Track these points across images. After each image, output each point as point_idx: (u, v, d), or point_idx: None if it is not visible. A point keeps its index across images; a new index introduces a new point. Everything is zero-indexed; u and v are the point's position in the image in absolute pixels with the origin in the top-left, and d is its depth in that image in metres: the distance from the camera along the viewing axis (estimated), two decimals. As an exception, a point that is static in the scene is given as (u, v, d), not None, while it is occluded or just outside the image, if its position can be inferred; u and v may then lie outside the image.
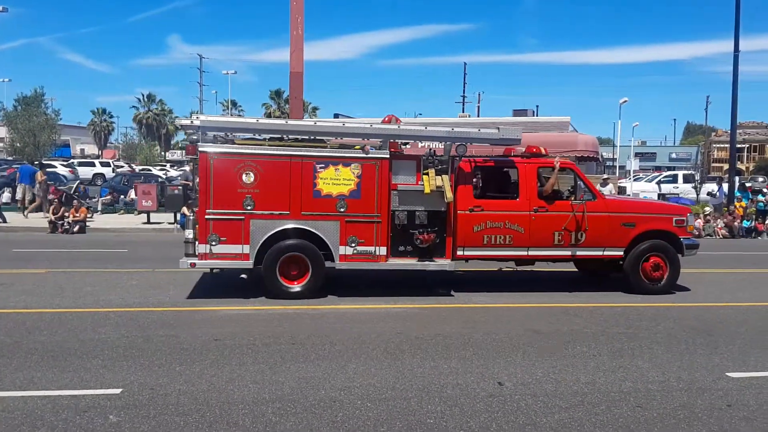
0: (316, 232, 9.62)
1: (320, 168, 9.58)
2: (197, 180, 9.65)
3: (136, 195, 22.33)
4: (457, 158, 10.16)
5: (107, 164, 46.22)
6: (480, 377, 6.23)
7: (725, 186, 25.68)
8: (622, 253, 10.61)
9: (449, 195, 9.73)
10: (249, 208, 9.44)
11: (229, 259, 9.56)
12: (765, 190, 27.16)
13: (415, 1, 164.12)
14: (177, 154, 75.24)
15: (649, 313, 9.24)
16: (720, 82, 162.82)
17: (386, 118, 10.59)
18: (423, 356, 6.89)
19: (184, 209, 19.35)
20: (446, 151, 10.28)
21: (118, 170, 41.29)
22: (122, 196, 26.14)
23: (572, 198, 10.50)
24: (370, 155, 9.73)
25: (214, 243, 9.44)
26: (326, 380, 6.06)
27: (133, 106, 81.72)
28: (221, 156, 9.48)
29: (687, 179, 34.24)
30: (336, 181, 9.62)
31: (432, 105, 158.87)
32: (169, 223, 20.40)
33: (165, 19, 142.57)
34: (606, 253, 10.64)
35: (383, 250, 9.80)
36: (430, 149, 11.02)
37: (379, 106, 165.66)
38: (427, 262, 10.01)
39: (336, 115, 34.57)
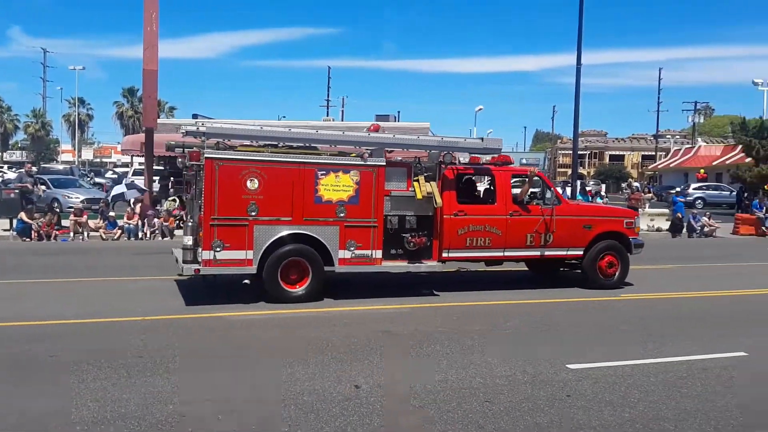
0: (318, 237, 9.82)
1: (321, 174, 9.82)
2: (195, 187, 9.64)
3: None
4: (443, 166, 10.67)
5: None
6: (337, 381, 6.20)
7: (569, 189, 27.62)
8: (582, 252, 11.55)
9: (438, 200, 10.29)
10: (253, 214, 9.48)
11: (233, 265, 9.55)
12: (603, 192, 29.55)
13: (278, 3, 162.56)
14: (16, 155, 69.32)
15: (500, 310, 9.69)
16: (566, 93, 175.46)
17: (372, 127, 11.05)
18: (279, 363, 6.75)
19: (22, 214, 17.85)
20: (433, 159, 10.94)
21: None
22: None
23: (541, 203, 11.31)
24: (368, 163, 10.06)
25: (218, 249, 9.40)
26: (176, 394, 5.76)
27: (-34, 103, 74.69)
28: (226, 162, 9.44)
29: (535, 183, 36.40)
30: (336, 188, 9.89)
31: (296, 108, 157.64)
32: (4, 230, 18.67)
33: (3, 9, 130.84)
34: (569, 252, 11.57)
35: (379, 254, 10.17)
36: (416, 157, 11.48)
37: (241, 108, 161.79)
38: (417, 264, 10.55)
39: (195, 116, 33.23)
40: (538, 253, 11.37)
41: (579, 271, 11.95)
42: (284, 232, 9.68)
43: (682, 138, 74.63)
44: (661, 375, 6.63)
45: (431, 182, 10.44)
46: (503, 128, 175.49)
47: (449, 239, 10.70)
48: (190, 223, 9.77)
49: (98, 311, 8.98)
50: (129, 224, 18.57)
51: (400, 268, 10.56)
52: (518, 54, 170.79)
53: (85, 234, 18.47)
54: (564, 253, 11.58)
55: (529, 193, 11.40)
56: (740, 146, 36.45)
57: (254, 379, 6.24)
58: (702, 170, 43.55)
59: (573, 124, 26.74)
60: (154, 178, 23.32)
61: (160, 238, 18.57)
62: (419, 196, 10.25)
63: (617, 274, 11.73)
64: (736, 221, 26.00)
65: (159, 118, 28.84)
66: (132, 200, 20.74)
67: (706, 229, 23.98)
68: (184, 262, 9.58)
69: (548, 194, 11.48)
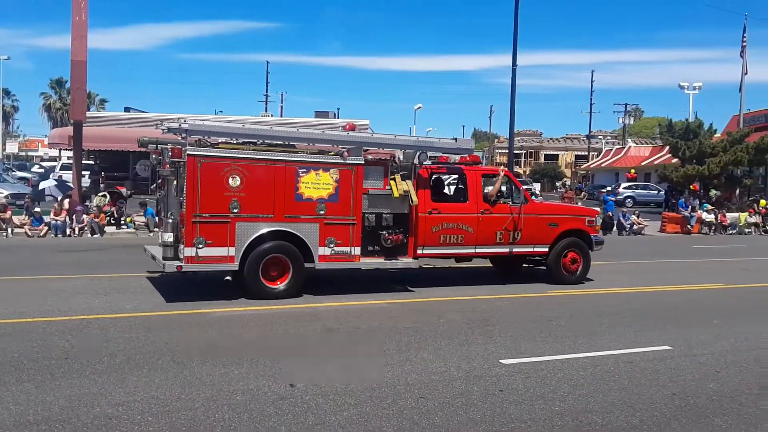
0: (298, 234, 9.96)
1: (302, 172, 9.96)
2: (175, 183, 9.75)
3: None
4: (418, 165, 10.98)
5: None
6: (272, 380, 6.13)
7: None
8: (547, 249, 12.07)
9: (414, 198, 10.61)
10: (235, 211, 9.55)
11: (215, 261, 9.57)
12: (537, 191, 30.24)
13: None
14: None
15: (436, 308, 9.78)
16: (504, 93, 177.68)
17: (348, 126, 11.30)
18: (213, 363, 6.62)
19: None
20: (409, 158, 11.23)
21: None
22: None
23: (509, 201, 11.72)
24: (347, 161, 10.23)
25: (200, 246, 9.41)
26: (103, 396, 5.57)
27: None
28: (209, 160, 9.45)
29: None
30: (316, 185, 10.04)
31: (234, 102, 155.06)
32: None
33: None
34: (536, 249, 12.08)
35: (357, 250, 10.38)
36: (392, 156, 11.73)
37: (176, 101, 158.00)
38: (394, 261, 10.92)
39: (127, 109, 32.41)
40: (507, 250, 11.82)
41: (543, 267, 12.48)
42: (266, 229, 9.77)
43: (614, 139, 77.08)
44: (590, 369, 6.84)
45: (407, 181, 10.71)
46: (443, 126, 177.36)
47: (424, 237, 11.01)
48: (170, 221, 9.75)
49: (29, 311, 8.61)
50: (56, 221, 17.87)
51: (377, 264, 10.91)
52: (458, 54, 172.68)
53: (9, 231, 17.68)
54: (531, 249, 12.06)
55: (498, 192, 11.72)
56: (667, 147, 37.91)
57: (191, 378, 6.09)
58: (632, 170, 45.00)
59: (509, 123, 27.22)
60: (84, 172, 22.54)
61: (89, 235, 17.94)
62: (396, 194, 10.54)
63: (579, 269, 12.33)
64: (663, 220, 27.10)
65: (88, 110, 27.81)
66: (60, 196, 19.97)
67: (635, 227, 24.89)
68: (165, 258, 9.59)
69: (515, 193, 11.89)
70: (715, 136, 35.97)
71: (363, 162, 10.41)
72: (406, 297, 10.53)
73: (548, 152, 78.14)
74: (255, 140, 10.20)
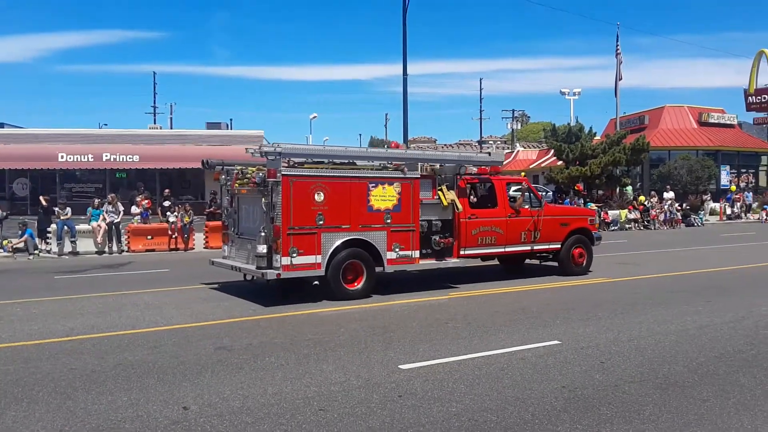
0: (371, 242, 11.37)
1: (372, 187, 11.40)
2: (263, 201, 10.76)
3: None
4: (459, 176, 12.77)
5: None
6: (164, 404, 5.87)
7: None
8: (559, 246, 14.10)
9: (459, 206, 12.43)
10: (320, 223, 10.83)
11: (306, 268, 10.78)
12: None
13: (96, 4, 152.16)
14: None
15: (333, 318, 9.74)
16: (397, 101, 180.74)
17: (393, 144, 12.69)
18: (99, 391, 6.26)
19: None
20: (452, 171, 12.86)
21: None
22: None
23: (529, 206, 13.59)
24: (407, 176, 11.78)
25: (294, 255, 10.59)
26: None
27: None
28: (299, 179, 10.72)
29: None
30: (383, 198, 11.49)
31: (120, 115, 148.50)
32: None
33: None
34: (551, 246, 14.04)
35: (417, 253, 11.90)
36: (432, 169, 12.77)
37: (56, 115, 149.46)
38: (444, 261, 12.49)
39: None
40: (529, 248, 13.75)
41: (555, 262, 14.41)
42: (345, 238, 11.09)
43: (503, 143, 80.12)
44: (485, 368, 7.01)
45: (451, 191, 12.42)
46: (338, 135, 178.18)
47: (466, 239, 12.68)
48: (263, 233, 10.67)
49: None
50: None
51: (431, 265, 12.43)
52: (352, 63, 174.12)
53: None
54: (548, 246, 14.01)
55: (524, 198, 13.57)
56: (552, 150, 39.75)
57: (73, 411, 5.72)
58: (522, 173, 46.89)
59: (403, 131, 27.60)
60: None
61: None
62: (445, 203, 12.27)
63: (585, 262, 14.46)
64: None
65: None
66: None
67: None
68: (259, 268, 10.67)
69: (534, 199, 13.82)
70: (595, 138, 38.07)
71: (419, 176, 12.03)
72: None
73: (443, 158, 79.83)
74: (324, 159, 11.42)
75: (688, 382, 6.55)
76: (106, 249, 20.19)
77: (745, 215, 38.35)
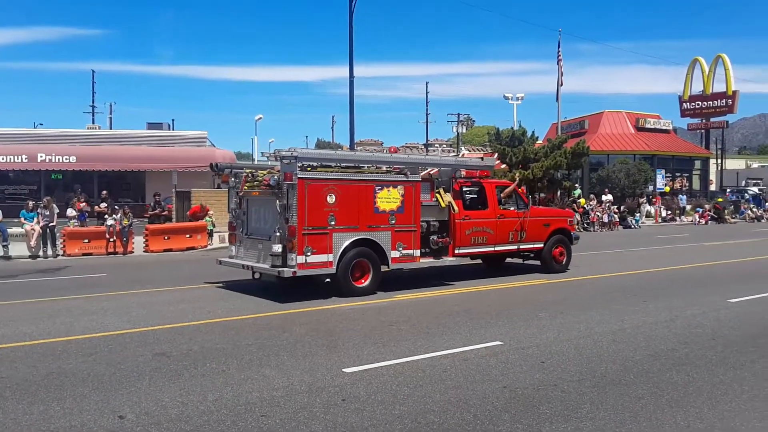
0: (377, 241, 12.00)
1: (378, 189, 12.03)
2: (277, 203, 11.26)
3: None
4: (454, 180, 13.54)
5: None
6: (98, 413, 5.68)
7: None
8: (542, 245, 14.95)
9: (456, 208, 13.24)
10: (332, 223, 11.41)
11: (319, 267, 11.34)
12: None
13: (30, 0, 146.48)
14: None
15: (277, 322, 9.63)
16: (345, 103, 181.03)
17: (391, 149, 13.27)
18: (30, 401, 6.02)
19: None
20: (448, 175, 13.67)
21: None
22: None
23: (516, 207, 14.44)
24: (410, 179, 12.43)
25: (308, 254, 11.13)
26: None
27: None
28: (313, 182, 11.27)
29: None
30: (388, 200, 12.12)
31: (57, 114, 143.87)
32: None
33: None
34: (535, 245, 14.89)
35: (418, 252, 12.61)
36: (429, 173, 14.00)
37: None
38: (441, 260, 13.23)
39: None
40: (516, 247, 14.61)
41: (537, 261, 15.20)
42: (354, 238, 11.69)
43: (449, 146, 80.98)
44: (429, 369, 7.05)
45: (447, 193, 13.19)
46: (285, 137, 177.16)
47: (460, 239, 13.40)
48: (278, 233, 11.15)
49: None
50: None
51: (430, 263, 13.16)
52: (298, 65, 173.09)
53: None
54: (532, 246, 14.85)
55: (511, 199, 14.46)
56: (496, 154, 40.38)
57: (2, 421, 5.47)
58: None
59: (349, 133, 27.63)
60: None
61: None
62: (443, 204, 13.05)
63: (565, 260, 15.40)
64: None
65: None
66: None
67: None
68: (273, 266, 11.13)
69: (520, 201, 14.65)
70: (538, 142, 38.81)
71: (420, 179, 12.74)
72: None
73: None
74: (332, 163, 12.08)
75: (624, 380, 6.73)
76: (41, 253, 19.44)
77: (679, 218, 39.79)
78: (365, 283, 11.87)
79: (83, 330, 9.07)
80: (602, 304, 11.05)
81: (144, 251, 20.60)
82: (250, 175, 12.57)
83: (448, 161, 14.75)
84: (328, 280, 11.85)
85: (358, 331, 9.04)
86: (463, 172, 14.25)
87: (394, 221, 12.19)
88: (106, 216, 21.00)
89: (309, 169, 11.53)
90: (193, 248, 21.39)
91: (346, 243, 11.57)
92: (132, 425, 5.42)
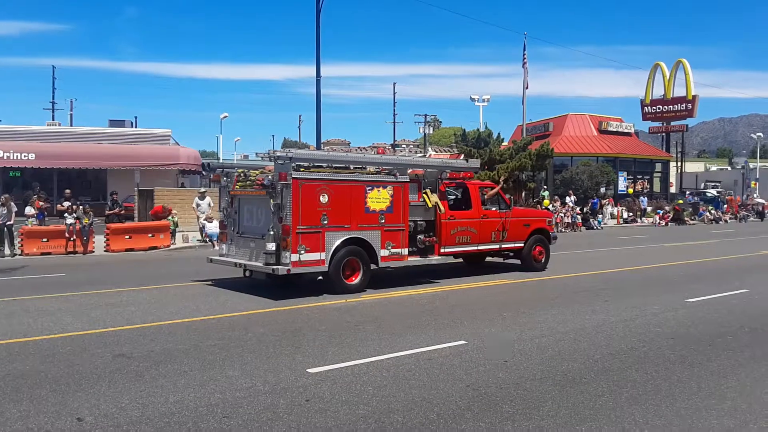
0: (368, 240, 12.24)
1: (369, 189, 12.27)
2: (271, 202, 11.40)
3: None
4: (440, 180, 13.97)
5: None
6: (56, 416, 5.55)
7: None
8: (522, 244, 15.40)
9: (442, 208, 13.62)
10: (325, 222, 11.60)
11: (312, 265, 11.52)
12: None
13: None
14: None
15: (241, 323, 9.54)
16: (312, 103, 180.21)
17: (379, 150, 13.46)
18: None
19: None
20: (434, 176, 14.08)
21: None
22: None
23: (498, 208, 14.89)
24: (399, 179, 12.74)
25: (302, 252, 11.30)
26: None
27: None
28: (307, 182, 11.44)
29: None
30: (378, 200, 12.37)
31: (16, 110, 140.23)
32: None
33: None
34: (516, 245, 15.33)
35: (406, 251, 12.91)
36: (416, 174, 13.89)
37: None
38: (428, 258, 13.57)
39: None
40: (498, 246, 15.05)
41: (517, 260, 15.63)
42: (346, 237, 11.90)
43: (416, 147, 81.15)
44: (393, 369, 7.06)
45: (434, 194, 13.54)
46: (251, 136, 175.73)
47: (446, 238, 13.79)
48: (272, 232, 11.27)
49: None
50: None
51: (417, 261, 13.46)
52: (265, 63, 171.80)
53: None
54: (513, 245, 15.28)
55: (494, 200, 14.90)
56: (462, 155, 40.65)
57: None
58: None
59: (316, 133, 27.55)
60: None
61: None
62: (430, 205, 13.43)
63: (544, 260, 15.82)
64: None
65: None
66: None
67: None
68: (267, 264, 11.30)
69: (502, 202, 15.13)
70: (503, 144, 39.22)
71: (408, 180, 13.06)
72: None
73: (356, 161, 80.00)
74: (323, 164, 12.30)
75: (585, 378, 6.84)
76: (-3, 252, 18.94)
77: (640, 219, 40.59)
78: (355, 281, 12.09)
79: (41, 331, 8.86)
80: (565, 304, 11.21)
81: (105, 251, 20.22)
82: (242, 174, 12.71)
83: (434, 163, 15.15)
84: (320, 278, 12.05)
85: (322, 331, 8.99)
86: (446, 173, 14.53)
87: (383, 220, 12.44)
88: (66, 215, 20.56)
89: (302, 169, 11.67)
90: (155, 248, 21.06)
91: (338, 242, 11.78)
92: (91, 427, 5.31)
